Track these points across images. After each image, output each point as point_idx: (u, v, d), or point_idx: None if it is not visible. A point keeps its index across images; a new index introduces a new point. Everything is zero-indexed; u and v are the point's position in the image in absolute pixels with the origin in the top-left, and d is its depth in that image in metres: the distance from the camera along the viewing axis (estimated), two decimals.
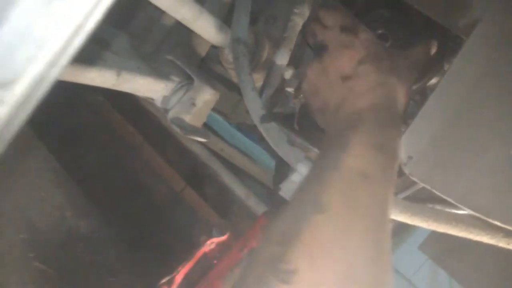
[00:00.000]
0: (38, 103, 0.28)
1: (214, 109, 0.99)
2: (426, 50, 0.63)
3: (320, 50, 0.62)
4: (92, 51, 0.81)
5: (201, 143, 1.96)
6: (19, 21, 0.23)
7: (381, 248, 0.42)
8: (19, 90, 0.25)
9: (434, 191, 0.51)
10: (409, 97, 0.59)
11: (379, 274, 0.41)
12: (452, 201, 0.49)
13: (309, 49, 0.77)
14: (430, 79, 0.68)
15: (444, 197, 0.50)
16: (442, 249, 1.35)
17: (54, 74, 0.28)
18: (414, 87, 0.68)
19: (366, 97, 0.55)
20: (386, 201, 0.46)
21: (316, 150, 0.76)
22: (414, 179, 0.53)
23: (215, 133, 2.08)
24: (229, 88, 1.21)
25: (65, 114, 1.78)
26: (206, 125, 0.99)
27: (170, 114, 0.93)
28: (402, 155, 0.55)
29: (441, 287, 2.46)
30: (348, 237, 0.41)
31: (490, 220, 0.46)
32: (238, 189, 2.04)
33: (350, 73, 0.58)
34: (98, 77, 0.79)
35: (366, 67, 0.57)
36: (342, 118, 0.55)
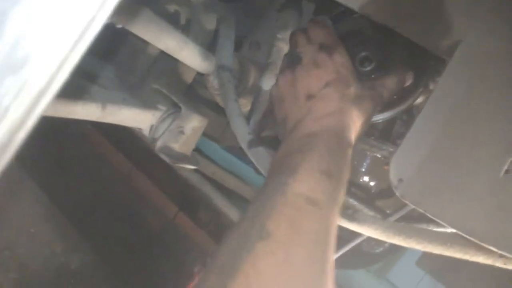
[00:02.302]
0: (20, 144, 0.27)
1: (203, 133, 0.99)
2: (398, 81, 0.64)
3: (294, 61, 0.63)
4: (75, 84, 0.81)
5: None
6: None
7: (323, 276, 0.41)
8: None
9: (426, 214, 0.50)
10: (364, 127, 0.60)
11: None
12: (445, 225, 0.49)
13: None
14: (416, 99, 0.68)
15: (437, 220, 0.49)
16: (439, 263, 1.35)
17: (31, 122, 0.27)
18: (380, 117, 0.69)
19: (322, 121, 0.55)
20: (331, 226, 0.45)
21: None
22: (406, 201, 0.52)
23: (206, 156, 2.07)
24: (217, 112, 1.21)
25: (52, 145, 1.76)
26: (196, 149, 0.98)
27: (158, 144, 0.92)
28: (392, 177, 0.54)
29: None
30: (290, 266, 0.40)
31: (485, 245, 0.46)
32: (232, 213, 2.02)
33: (314, 93, 0.58)
34: (83, 111, 0.78)
35: (331, 90, 0.58)
36: (296, 138, 0.55)
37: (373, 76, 0.69)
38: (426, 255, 1.41)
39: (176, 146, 0.92)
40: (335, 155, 0.51)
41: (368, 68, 0.70)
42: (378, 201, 0.77)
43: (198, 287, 0.40)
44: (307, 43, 0.64)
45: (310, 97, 0.58)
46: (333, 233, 0.45)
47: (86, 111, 0.77)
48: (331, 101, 0.57)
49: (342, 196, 0.49)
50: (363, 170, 0.77)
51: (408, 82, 0.66)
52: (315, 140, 0.52)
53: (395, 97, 0.68)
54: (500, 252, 0.46)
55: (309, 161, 0.49)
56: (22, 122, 0.25)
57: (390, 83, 0.63)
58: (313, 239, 0.43)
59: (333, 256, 0.44)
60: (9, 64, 0.23)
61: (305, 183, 0.46)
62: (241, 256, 0.39)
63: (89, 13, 0.24)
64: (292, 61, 0.63)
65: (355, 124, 0.57)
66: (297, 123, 0.57)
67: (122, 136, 2.21)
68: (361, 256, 1.19)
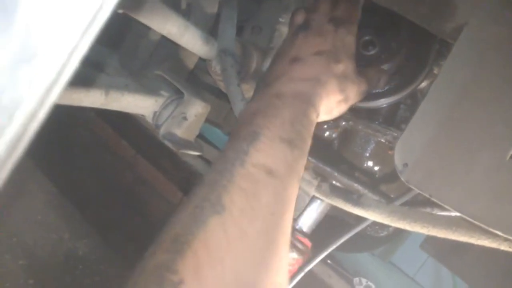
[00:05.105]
0: (33, 134, 0.27)
1: (206, 119, 0.99)
2: (376, 79, 0.64)
3: (302, 27, 0.61)
4: (78, 72, 0.80)
5: None
6: None
7: (277, 249, 0.41)
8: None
9: (431, 198, 0.50)
10: (340, 107, 0.58)
11: (270, 278, 0.40)
12: (450, 209, 0.48)
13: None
14: (420, 83, 0.67)
15: (442, 204, 0.49)
16: (443, 246, 1.35)
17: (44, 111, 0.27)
18: (384, 101, 0.68)
19: (296, 83, 0.54)
20: (289, 198, 0.45)
21: (310, 158, 0.76)
22: (411, 186, 0.52)
23: (209, 142, 2.07)
24: (219, 97, 1.21)
25: (56, 134, 1.76)
26: (198, 135, 0.98)
27: (162, 130, 0.92)
28: (397, 162, 0.54)
29: (445, 284, 2.47)
30: (242, 241, 0.39)
31: (490, 229, 0.46)
32: None
33: (301, 57, 0.57)
34: (86, 98, 0.78)
35: (319, 59, 0.56)
36: (265, 96, 0.54)
37: (375, 62, 0.69)
38: (429, 239, 1.42)
39: (180, 132, 0.92)
40: (299, 123, 0.50)
41: (372, 52, 0.69)
42: (383, 185, 0.77)
43: (145, 262, 0.38)
44: (323, 11, 0.62)
45: (296, 59, 0.57)
46: (291, 204, 0.45)
47: (89, 98, 0.77)
48: (313, 68, 0.56)
49: (302, 166, 0.49)
50: (367, 155, 0.77)
51: (384, 82, 0.65)
52: (280, 103, 0.51)
53: (396, 82, 0.67)
54: (505, 236, 0.46)
55: (271, 128, 0.47)
56: (35, 112, 0.25)
57: (372, 77, 0.62)
58: (268, 212, 0.42)
59: (289, 228, 0.44)
60: (21, 54, 0.23)
61: (265, 153, 0.45)
62: (193, 230, 0.38)
63: (97, 1, 0.24)
64: (301, 26, 0.62)
65: (328, 97, 0.55)
66: (272, 81, 0.56)
67: (125, 124, 2.21)
68: (365, 240, 1.19)
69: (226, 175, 0.43)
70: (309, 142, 0.51)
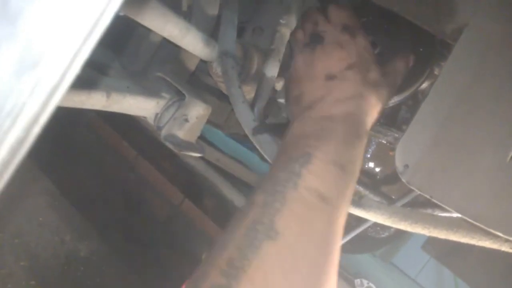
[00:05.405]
0: (35, 138, 0.27)
1: (207, 121, 0.99)
2: (405, 64, 0.62)
3: (315, 40, 0.61)
4: (80, 74, 0.80)
5: None
6: None
7: (327, 280, 0.41)
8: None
9: (432, 199, 0.50)
10: (379, 114, 0.58)
11: None
12: (451, 210, 0.49)
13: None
14: (421, 84, 0.68)
15: (443, 205, 0.49)
16: (444, 247, 1.35)
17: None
18: (396, 99, 0.68)
19: (343, 104, 0.53)
20: (340, 226, 0.44)
21: None
22: (412, 187, 0.52)
23: (210, 143, 2.07)
24: (221, 99, 1.21)
25: (57, 136, 1.76)
26: (200, 136, 0.98)
27: (163, 132, 0.92)
28: (398, 163, 0.54)
29: (447, 285, 2.46)
30: (296, 269, 0.39)
31: (491, 230, 0.46)
32: (237, 200, 2.03)
33: (336, 74, 0.56)
34: (88, 100, 0.78)
35: (353, 73, 0.56)
36: (312, 119, 0.53)
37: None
38: (431, 240, 1.41)
39: (181, 134, 0.92)
40: (351, 145, 0.49)
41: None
42: (384, 187, 0.77)
43: (200, 280, 0.39)
44: (328, 23, 0.62)
45: (330, 77, 0.56)
46: (340, 232, 0.45)
47: (91, 100, 0.78)
48: (353, 84, 0.55)
49: (352, 191, 0.48)
50: (369, 156, 0.77)
51: (411, 63, 0.64)
52: (333, 126, 0.50)
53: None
54: (506, 237, 0.46)
55: (325, 151, 0.46)
56: (37, 117, 0.25)
57: (400, 67, 0.62)
58: (321, 239, 0.42)
59: (338, 257, 0.43)
60: (25, 61, 0.23)
61: (318, 177, 0.44)
62: (247, 255, 0.38)
63: (100, 6, 0.24)
64: (313, 40, 0.61)
65: (372, 111, 0.55)
66: (314, 102, 0.55)
67: (127, 125, 2.22)
68: (366, 241, 1.19)
69: (278, 198, 0.42)
70: (359, 165, 0.50)
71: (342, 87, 0.55)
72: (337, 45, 0.58)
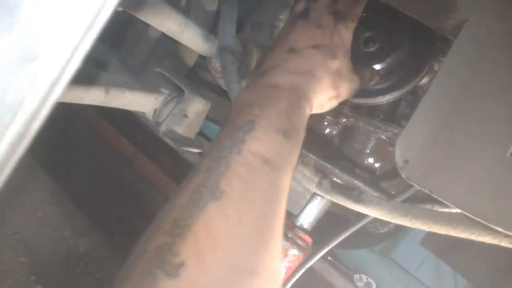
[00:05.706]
0: (35, 133, 0.27)
1: (206, 117, 0.99)
2: (370, 76, 0.64)
3: (302, 15, 0.61)
4: (79, 69, 0.80)
5: None
6: None
7: (272, 235, 0.42)
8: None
9: (432, 194, 0.50)
10: (332, 103, 0.59)
11: (268, 262, 0.41)
12: (451, 205, 0.49)
13: None
14: (421, 79, 0.67)
15: (443, 201, 0.49)
16: (443, 243, 1.35)
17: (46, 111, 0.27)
18: (385, 98, 0.68)
19: (291, 76, 0.54)
20: (284, 188, 0.46)
21: (311, 155, 0.76)
22: (412, 183, 0.52)
23: (209, 139, 2.07)
24: (220, 95, 1.21)
25: (56, 131, 1.76)
26: (199, 132, 0.98)
27: (162, 127, 0.92)
28: (398, 158, 0.54)
29: (445, 280, 2.47)
30: (241, 227, 0.40)
31: (491, 226, 0.46)
32: None
33: (298, 48, 0.57)
34: (87, 96, 0.78)
35: (316, 53, 0.56)
36: (260, 86, 0.54)
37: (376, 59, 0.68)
38: (430, 235, 1.42)
39: (180, 130, 0.92)
40: (294, 115, 0.50)
41: (372, 49, 0.69)
42: (383, 182, 0.77)
43: (144, 243, 0.39)
44: (325, 2, 0.62)
45: (291, 50, 0.57)
46: (285, 194, 0.46)
47: (90, 95, 0.77)
48: (309, 62, 0.56)
49: (296, 158, 0.49)
50: (368, 151, 0.77)
51: (374, 81, 0.65)
52: (276, 95, 0.51)
53: (396, 79, 0.67)
54: (505, 232, 0.46)
55: (268, 119, 0.48)
56: (37, 112, 0.25)
57: (366, 75, 0.63)
58: (265, 200, 0.43)
59: (283, 216, 0.44)
60: (24, 54, 0.23)
61: (262, 142, 0.46)
62: (192, 215, 0.39)
63: (99, 0, 0.24)
64: (300, 14, 0.61)
65: (321, 93, 0.56)
66: (266, 71, 0.56)
67: (126, 121, 2.21)
68: (366, 237, 1.19)
69: (223, 162, 0.44)
70: (302, 134, 0.51)
71: (298, 61, 0.56)
72: (315, 24, 0.59)
